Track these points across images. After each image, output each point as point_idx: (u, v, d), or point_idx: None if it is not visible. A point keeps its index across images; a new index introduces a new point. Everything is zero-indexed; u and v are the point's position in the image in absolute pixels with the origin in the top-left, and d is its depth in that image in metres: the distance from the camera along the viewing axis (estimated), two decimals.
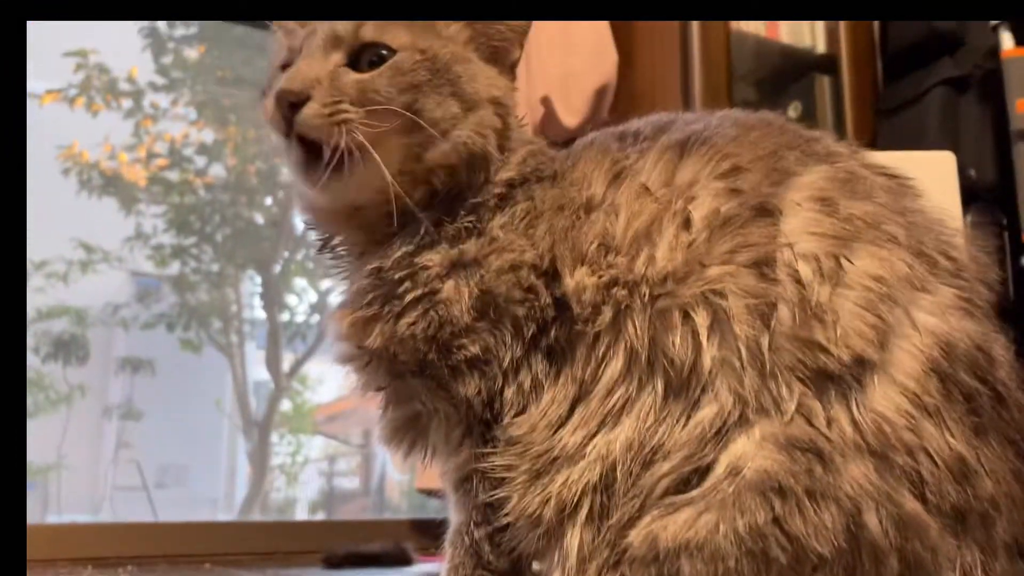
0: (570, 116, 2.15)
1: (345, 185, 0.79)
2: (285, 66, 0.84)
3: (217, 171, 4.39)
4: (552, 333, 0.77)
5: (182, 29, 4.34)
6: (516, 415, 0.77)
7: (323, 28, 0.81)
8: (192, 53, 4.45)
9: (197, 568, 1.84)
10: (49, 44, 3.78)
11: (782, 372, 0.68)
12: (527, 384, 0.77)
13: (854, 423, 0.66)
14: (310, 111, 0.76)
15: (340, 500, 5.01)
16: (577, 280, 0.76)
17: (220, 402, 4.70)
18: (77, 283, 4.12)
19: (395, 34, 0.81)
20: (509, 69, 0.88)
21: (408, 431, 0.84)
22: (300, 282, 4.72)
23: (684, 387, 0.71)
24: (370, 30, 0.81)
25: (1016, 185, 1.95)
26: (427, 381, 0.80)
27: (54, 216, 3.88)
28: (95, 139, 4.13)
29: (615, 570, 0.71)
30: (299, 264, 4.65)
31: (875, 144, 2.21)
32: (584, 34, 2.21)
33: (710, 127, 0.80)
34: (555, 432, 0.75)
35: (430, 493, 1.93)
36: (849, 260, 0.70)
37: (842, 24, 2.34)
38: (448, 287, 0.78)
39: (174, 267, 4.28)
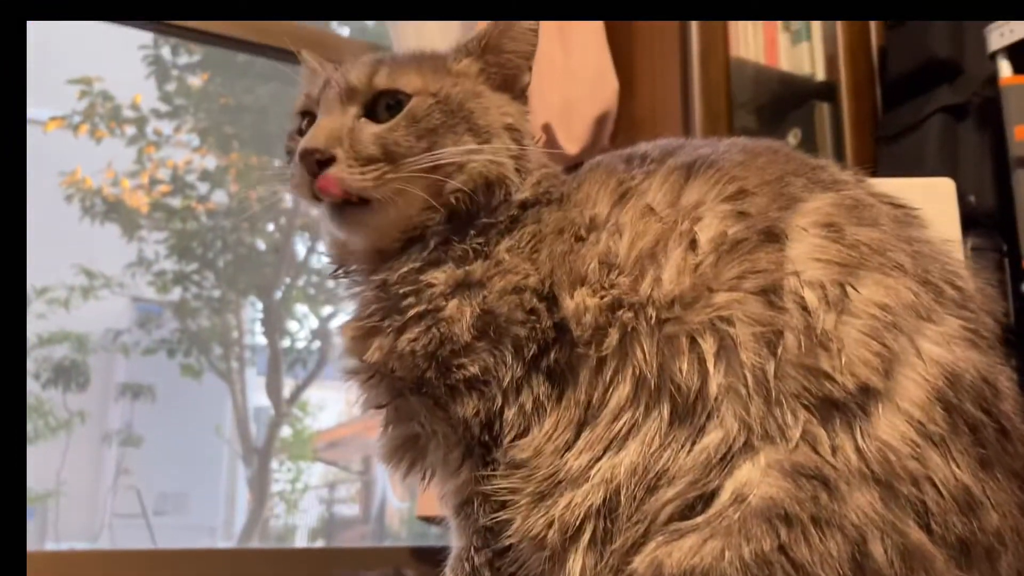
0: (571, 143, 2.16)
1: (375, 227, 0.83)
2: (304, 113, 0.88)
3: (219, 197, 4.41)
4: (552, 355, 0.77)
5: (186, 57, 4.37)
6: (517, 437, 0.77)
7: (338, 79, 0.84)
8: (195, 81, 4.49)
9: None
10: (53, 71, 3.81)
11: (787, 399, 0.67)
12: (528, 405, 0.77)
13: (859, 451, 0.66)
14: (339, 170, 0.80)
15: (340, 527, 4.98)
16: (577, 302, 0.76)
17: (220, 428, 4.69)
18: (78, 309, 4.12)
19: (408, 79, 0.84)
20: (520, 94, 0.90)
21: (407, 451, 0.84)
22: (301, 308, 4.72)
23: (690, 413, 0.70)
24: (383, 78, 0.84)
25: (1016, 211, 1.95)
26: (425, 400, 0.80)
27: (56, 242, 3.89)
28: (98, 165, 4.15)
29: None
30: (300, 290, 4.65)
31: (876, 171, 2.22)
32: (585, 62, 2.23)
33: (717, 152, 0.81)
34: (562, 456, 0.75)
35: (431, 520, 1.91)
36: (855, 288, 0.70)
37: (841, 52, 2.36)
38: (452, 306, 0.78)
39: (175, 293, 4.28)
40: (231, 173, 4.43)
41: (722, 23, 2.19)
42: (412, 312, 0.79)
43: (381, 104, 0.83)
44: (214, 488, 4.75)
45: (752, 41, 2.32)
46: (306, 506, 4.80)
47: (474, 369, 0.78)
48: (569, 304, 0.77)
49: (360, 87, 0.84)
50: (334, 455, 5.22)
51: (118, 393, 4.38)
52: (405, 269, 0.81)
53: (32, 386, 3.88)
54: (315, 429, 4.95)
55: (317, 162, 0.80)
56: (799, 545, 0.65)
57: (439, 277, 0.79)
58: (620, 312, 0.74)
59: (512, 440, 0.77)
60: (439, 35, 2.10)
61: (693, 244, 0.74)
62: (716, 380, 0.70)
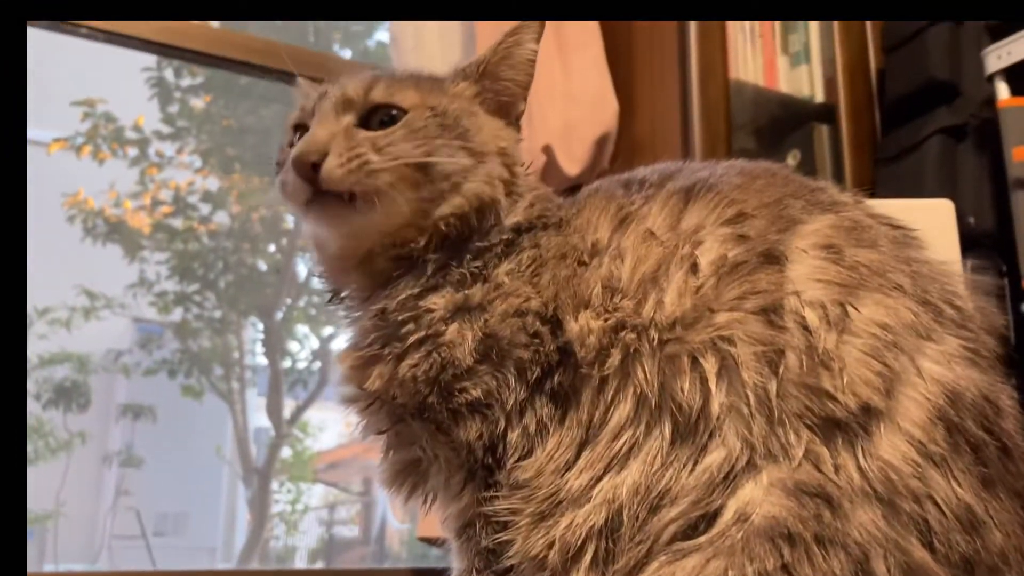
0: (571, 165, 2.17)
1: (356, 228, 0.82)
2: (297, 126, 0.87)
3: (221, 218, 4.43)
4: (556, 378, 0.77)
5: (188, 79, 4.40)
6: (521, 458, 0.77)
7: (334, 91, 0.84)
8: (198, 102, 4.52)
9: None
10: (57, 93, 3.83)
11: (790, 419, 0.67)
12: (532, 427, 0.77)
13: (860, 470, 0.66)
14: (332, 163, 0.79)
15: (340, 549, 4.96)
16: (581, 324, 0.77)
17: (220, 449, 4.68)
18: (79, 330, 4.13)
19: (405, 94, 0.84)
20: (515, 121, 0.91)
21: (409, 475, 0.84)
22: (302, 329, 4.73)
23: (692, 432, 0.70)
24: (380, 91, 0.84)
25: (1015, 232, 1.96)
26: (427, 425, 0.80)
27: (58, 263, 3.90)
28: (100, 187, 4.17)
29: None
30: (301, 311, 4.66)
31: (875, 192, 2.22)
32: (585, 83, 2.24)
33: (715, 175, 0.81)
34: (562, 476, 0.75)
35: (432, 542, 1.91)
36: (855, 308, 0.70)
37: (840, 74, 2.37)
38: (452, 330, 0.78)
39: (176, 314, 4.29)
40: (233, 194, 4.45)
41: (721, 45, 2.21)
42: (412, 338, 0.79)
43: (376, 118, 0.83)
44: (214, 509, 4.73)
45: (751, 63, 2.33)
46: (306, 527, 4.79)
47: (477, 392, 0.78)
48: (573, 327, 0.77)
49: (356, 99, 0.84)
50: (334, 476, 5.21)
51: (119, 414, 4.38)
52: (403, 296, 0.81)
53: (32, 407, 3.88)
54: (315, 450, 4.94)
55: (312, 165, 0.79)
56: (802, 564, 0.64)
57: (438, 302, 0.79)
58: (623, 333, 0.74)
59: (516, 461, 0.77)
60: (439, 58, 2.12)
61: (694, 267, 0.74)
62: (718, 399, 0.70)
